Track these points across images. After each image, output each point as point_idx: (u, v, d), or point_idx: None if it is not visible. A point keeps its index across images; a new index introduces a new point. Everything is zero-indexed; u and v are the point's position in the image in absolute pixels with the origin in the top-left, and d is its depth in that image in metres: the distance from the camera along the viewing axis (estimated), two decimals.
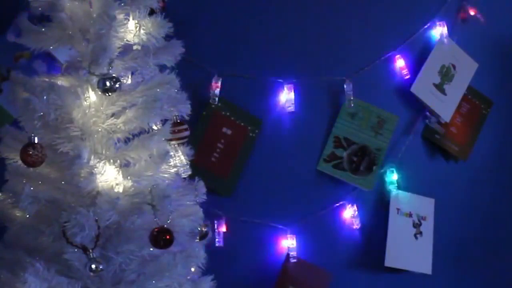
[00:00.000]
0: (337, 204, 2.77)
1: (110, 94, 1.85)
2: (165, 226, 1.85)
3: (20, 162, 1.84)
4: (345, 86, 2.74)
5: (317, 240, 2.75)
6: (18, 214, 1.94)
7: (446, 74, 2.86)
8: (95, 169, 1.82)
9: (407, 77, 2.80)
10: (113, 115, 1.91)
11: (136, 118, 1.90)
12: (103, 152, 1.89)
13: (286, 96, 2.70)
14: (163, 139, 1.98)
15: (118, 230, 1.89)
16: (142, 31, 1.94)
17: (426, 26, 2.85)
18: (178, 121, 2.08)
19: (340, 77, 2.75)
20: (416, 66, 2.83)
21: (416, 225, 2.83)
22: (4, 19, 2.39)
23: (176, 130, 2.07)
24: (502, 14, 3.04)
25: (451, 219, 2.94)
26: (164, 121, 2.00)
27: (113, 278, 1.90)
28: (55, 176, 1.91)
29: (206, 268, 2.12)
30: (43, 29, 1.90)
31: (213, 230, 2.61)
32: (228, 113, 2.67)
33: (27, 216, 1.91)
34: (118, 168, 1.88)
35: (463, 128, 2.94)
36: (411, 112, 2.86)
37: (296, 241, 2.69)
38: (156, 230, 1.84)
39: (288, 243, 2.69)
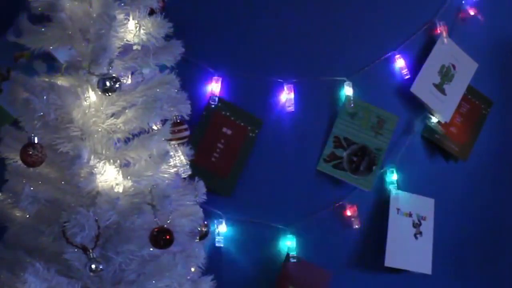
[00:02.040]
0: (337, 204, 2.77)
1: (110, 94, 1.85)
2: (165, 226, 1.85)
3: (20, 162, 1.84)
4: (345, 86, 2.74)
5: (317, 240, 2.75)
6: (18, 214, 1.94)
7: (446, 74, 2.86)
8: (95, 169, 1.83)
9: (407, 77, 2.80)
10: (113, 115, 1.91)
11: (136, 118, 1.90)
12: (103, 152, 1.89)
13: (286, 96, 2.70)
14: (163, 139, 1.99)
15: (118, 230, 1.89)
16: (142, 31, 1.94)
17: (426, 26, 2.85)
18: (178, 121, 2.08)
19: (340, 77, 2.75)
20: (416, 66, 2.82)
21: (416, 225, 2.83)
22: (4, 19, 2.40)
23: (176, 130, 2.07)
24: (502, 14, 3.04)
25: (451, 219, 2.94)
26: (164, 121, 2.00)
27: (113, 278, 1.90)
28: (55, 176, 1.91)
29: (206, 268, 2.12)
30: (43, 29, 1.90)
31: (213, 230, 2.60)
32: (228, 113, 2.67)
33: (27, 216, 1.91)
34: (118, 168, 1.88)
35: (463, 128, 2.94)
36: (411, 112, 2.86)
37: (296, 241, 2.69)
38: (156, 230, 1.84)
39: (288, 243, 2.69)
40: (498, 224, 3.07)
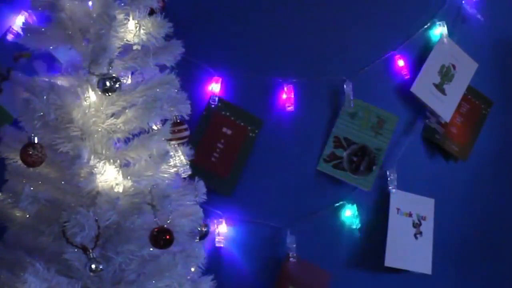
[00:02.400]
0: (337, 204, 2.77)
1: (110, 94, 1.85)
2: (165, 226, 1.85)
3: (20, 162, 1.84)
4: (345, 86, 2.74)
5: (317, 240, 2.75)
6: (18, 214, 1.94)
7: (446, 74, 2.86)
8: (95, 169, 1.83)
9: (407, 77, 2.80)
10: (113, 115, 1.91)
11: (136, 118, 1.90)
12: (103, 152, 1.89)
13: (286, 96, 2.70)
14: (163, 139, 1.99)
15: (118, 230, 1.89)
16: (142, 31, 1.94)
17: (426, 26, 2.85)
18: (178, 121, 2.08)
19: (340, 77, 2.75)
20: (416, 66, 2.82)
21: (416, 225, 2.83)
22: (4, 19, 2.40)
23: (176, 130, 2.07)
24: (502, 14, 3.04)
25: (451, 219, 2.94)
26: (164, 121, 2.00)
27: (113, 278, 1.90)
28: (55, 176, 1.91)
29: (206, 268, 2.12)
30: (43, 29, 1.90)
31: (213, 230, 2.60)
32: (228, 113, 2.67)
33: (27, 216, 1.91)
34: (118, 168, 1.88)
35: (463, 128, 2.94)
36: (411, 112, 2.86)
37: (296, 241, 2.69)
38: (156, 230, 1.84)
39: (287, 243, 2.69)
40: (498, 224, 3.07)
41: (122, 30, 1.90)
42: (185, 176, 2.09)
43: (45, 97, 1.80)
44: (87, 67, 1.86)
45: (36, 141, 1.82)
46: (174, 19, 2.02)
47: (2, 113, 2.40)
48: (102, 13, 1.84)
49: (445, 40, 2.84)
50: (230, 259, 2.67)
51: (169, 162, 1.97)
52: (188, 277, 2.05)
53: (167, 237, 1.84)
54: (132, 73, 1.99)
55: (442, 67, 2.85)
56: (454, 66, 2.88)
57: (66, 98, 1.84)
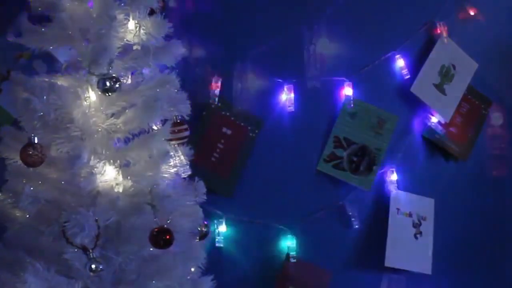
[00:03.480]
0: (337, 204, 2.77)
1: (110, 94, 1.85)
2: (165, 226, 1.85)
3: (20, 162, 1.84)
4: (345, 86, 2.74)
5: (317, 240, 2.75)
6: (18, 214, 1.94)
7: (446, 74, 2.86)
8: (95, 169, 1.83)
9: (407, 77, 2.80)
10: (113, 115, 1.91)
11: (136, 118, 1.90)
12: (103, 152, 1.89)
13: (286, 96, 2.70)
14: (163, 139, 1.98)
15: (118, 230, 1.89)
16: (142, 31, 1.94)
17: (426, 26, 2.85)
18: (178, 121, 2.08)
19: (340, 77, 2.75)
20: (416, 66, 2.83)
21: (416, 225, 2.83)
22: (4, 19, 2.40)
23: (176, 130, 2.07)
24: (502, 14, 3.04)
25: (451, 219, 2.94)
26: (164, 121, 2.00)
27: (113, 278, 1.90)
28: (55, 176, 1.91)
29: (206, 268, 2.12)
30: (43, 29, 1.90)
31: (213, 230, 2.60)
32: (228, 113, 2.67)
33: (27, 216, 1.91)
34: (118, 168, 1.88)
35: (463, 128, 2.94)
36: (411, 112, 2.86)
37: (296, 241, 2.69)
38: (156, 230, 1.84)
39: (288, 243, 2.69)
40: (498, 224, 3.07)
41: (122, 30, 1.90)
42: (185, 176, 2.09)
43: (45, 97, 1.80)
44: (87, 67, 1.86)
45: (36, 141, 1.82)
46: (174, 19, 2.02)
47: (2, 113, 2.40)
48: (102, 13, 1.84)
49: (445, 40, 2.84)
50: (230, 259, 2.67)
51: (169, 162, 1.96)
52: (188, 277, 2.05)
53: (167, 237, 1.84)
54: (132, 73, 1.99)
55: (442, 67, 2.85)
56: (454, 66, 2.88)
57: (66, 98, 1.84)
